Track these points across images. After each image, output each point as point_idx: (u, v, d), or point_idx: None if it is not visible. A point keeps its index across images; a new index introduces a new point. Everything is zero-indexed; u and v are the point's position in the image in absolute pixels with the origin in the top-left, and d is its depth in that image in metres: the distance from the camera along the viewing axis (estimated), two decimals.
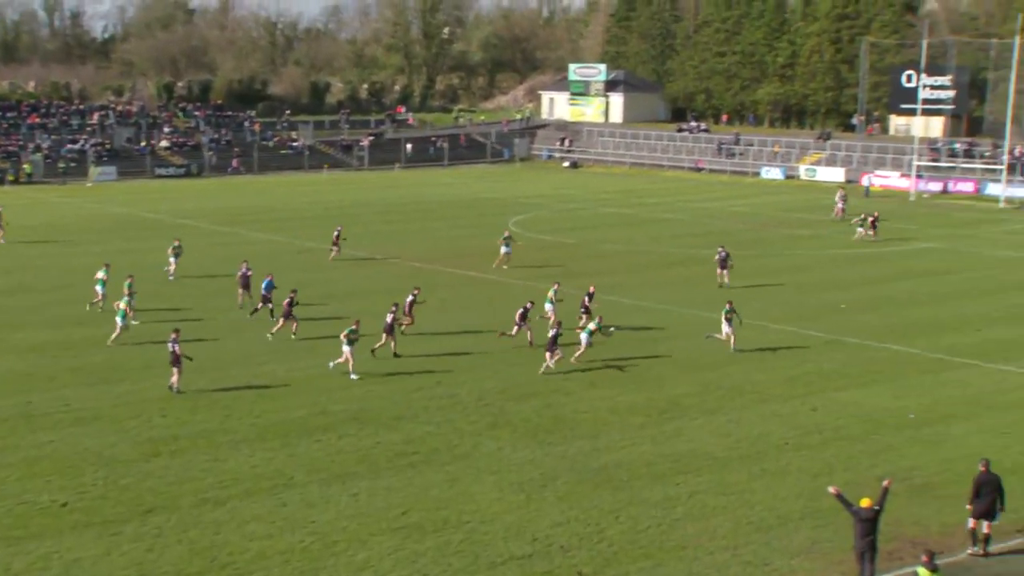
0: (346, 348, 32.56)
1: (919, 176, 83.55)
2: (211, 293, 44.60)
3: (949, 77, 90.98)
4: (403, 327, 36.74)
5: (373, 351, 34.51)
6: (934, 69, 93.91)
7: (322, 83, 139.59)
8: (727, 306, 36.40)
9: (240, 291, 42.21)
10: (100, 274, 41.69)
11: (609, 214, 71.76)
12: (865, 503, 19.76)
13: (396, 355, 34.83)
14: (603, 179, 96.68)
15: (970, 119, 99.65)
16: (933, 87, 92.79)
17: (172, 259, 47.89)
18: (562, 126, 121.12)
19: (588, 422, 29.08)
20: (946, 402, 30.87)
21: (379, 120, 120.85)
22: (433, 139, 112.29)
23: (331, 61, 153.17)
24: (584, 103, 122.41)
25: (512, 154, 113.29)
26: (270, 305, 39.80)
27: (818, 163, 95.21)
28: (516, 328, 36.35)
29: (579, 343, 34.36)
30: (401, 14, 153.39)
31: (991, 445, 27.18)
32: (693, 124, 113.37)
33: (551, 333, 33.36)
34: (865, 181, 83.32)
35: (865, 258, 54.87)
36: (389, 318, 34.78)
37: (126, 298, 38.38)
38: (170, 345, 31.18)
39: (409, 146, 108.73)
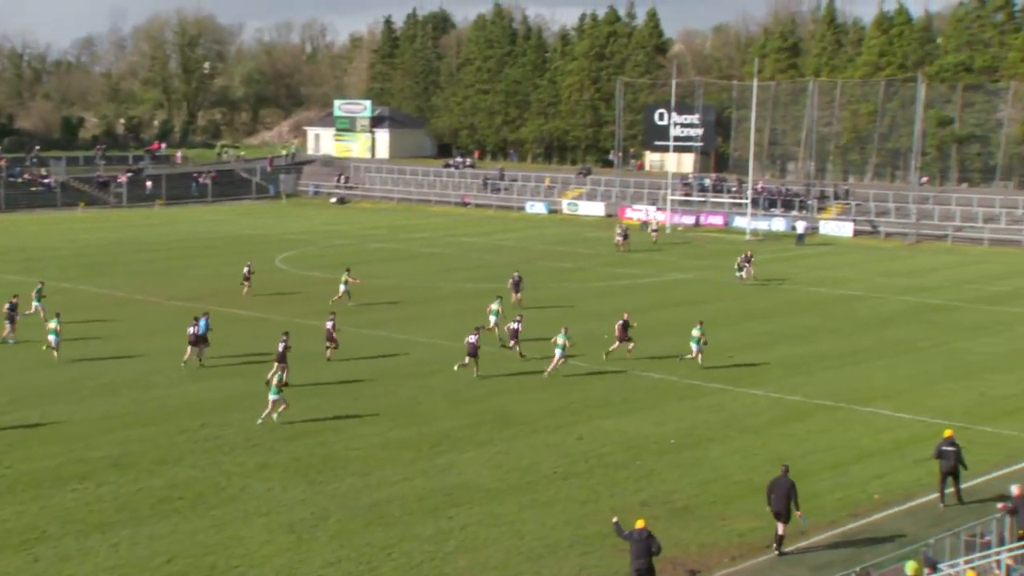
0: (272, 397, 31.55)
1: (673, 210, 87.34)
2: None
3: (697, 116, 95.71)
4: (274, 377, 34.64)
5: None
6: (683, 108, 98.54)
7: (75, 118, 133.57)
8: (699, 325, 39.16)
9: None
10: None
11: (378, 249, 71.61)
12: (640, 523, 20.51)
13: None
14: (371, 215, 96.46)
15: (717, 155, 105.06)
16: (683, 125, 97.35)
17: None
18: (328, 162, 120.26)
19: (359, 459, 28.81)
20: (703, 426, 32.23)
21: (138, 156, 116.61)
22: (196, 175, 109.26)
23: (85, 95, 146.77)
24: (350, 139, 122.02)
25: (278, 190, 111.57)
26: (205, 346, 38.48)
27: (579, 197, 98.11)
28: (469, 359, 37.20)
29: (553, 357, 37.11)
30: (158, 48, 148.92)
31: (744, 466, 28.57)
32: (459, 159, 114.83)
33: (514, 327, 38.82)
34: (800, 227, 79.28)
35: (623, 290, 56.77)
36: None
37: None
38: None
39: (174, 181, 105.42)
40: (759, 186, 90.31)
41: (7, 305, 42.78)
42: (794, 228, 79.96)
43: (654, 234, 77.38)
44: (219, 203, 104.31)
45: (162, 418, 32.23)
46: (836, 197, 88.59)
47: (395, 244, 74.85)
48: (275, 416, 31.67)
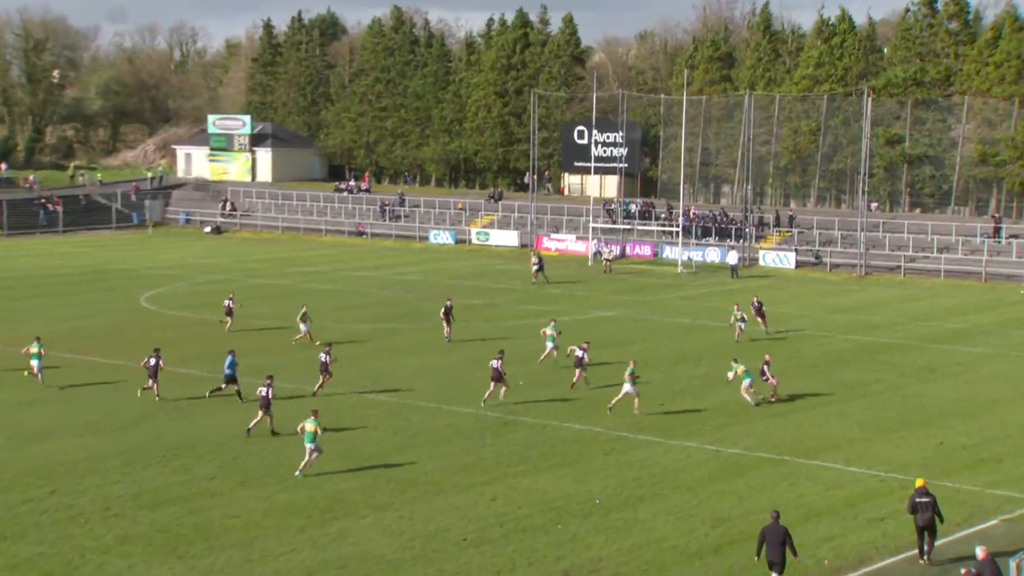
0: (309, 445, 32.56)
1: (596, 239, 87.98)
2: None
3: (620, 133, 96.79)
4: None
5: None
6: (606, 125, 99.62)
7: None
8: (630, 366, 39.90)
9: None
10: None
11: (260, 286, 70.92)
12: None
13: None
14: (252, 246, 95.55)
15: (644, 178, 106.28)
16: (605, 144, 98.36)
17: None
18: (202, 185, 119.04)
19: (239, 528, 28.29)
20: (632, 484, 32.30)
21: None
22: (44, 201, 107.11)
23: None
24: (227, 159, 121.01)
25: (143, 218, 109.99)
26: (236, 386, 40.39)
27: (490, 226, 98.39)
28: (494, 385, 40.49)
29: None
30: None
31: (679, 528, 28.66)
32: (352, 183, 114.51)
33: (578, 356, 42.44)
34: (733, 258, 79.81)
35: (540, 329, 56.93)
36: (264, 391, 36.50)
37: None
38: None
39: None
40: (691, 212, 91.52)
41: None
42: (737, 258, 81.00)
43: (606, 263, 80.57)
44: (73, 233, 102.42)
45: (1, 486, 31.30)
46: (777, 224, 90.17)
47: (280, 279, 74.17)
48: (300, 465, 32.48)
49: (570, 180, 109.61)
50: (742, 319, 53.79)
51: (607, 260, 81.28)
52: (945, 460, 34.98)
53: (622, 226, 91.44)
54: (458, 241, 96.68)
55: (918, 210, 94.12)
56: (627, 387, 39.51)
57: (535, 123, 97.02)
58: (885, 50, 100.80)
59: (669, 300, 66.90)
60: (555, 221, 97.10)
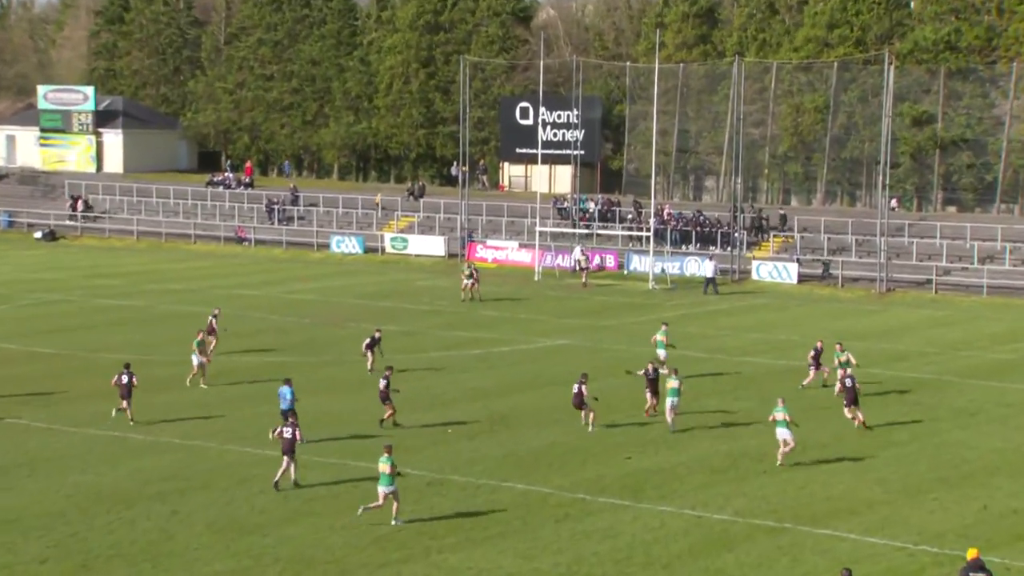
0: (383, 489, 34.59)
1: (544, 247, 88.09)
2: None
3: (575, 112, 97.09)
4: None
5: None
6: (556, 101, 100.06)
7: None
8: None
9: None
10: None
11: (110, 308, 70.46)
12: None
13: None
14: (99, 256, 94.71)
15: (605, 169, 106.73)
16: (556, 125, 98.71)
17: None
18: (31, 177, 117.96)
19: None
20: (591, 561, 32.29)
21: None
22: None
23: None
24: (64, 144, 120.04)
25: None
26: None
27: (409, 230, 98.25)
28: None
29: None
30: None
31: None
32: (229, 175, 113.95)
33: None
34: (709, 269, 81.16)
35: (474, 364, 56.83)
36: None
37: None
38: None
39: None
40: (665, 212, 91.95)
41: None
42: (713, 270, 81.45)
43: (583, 273, 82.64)
44: None
45: None
46: (774, 227, 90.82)
47: (136, 300, 73.65)
48: (394, 517, 34.51)
49: (511, 172, 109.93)
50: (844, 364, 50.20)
51: (584, 269, 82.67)
52: (990, 528, 35.24)
53: (578, 230, 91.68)
54: (368, 250, 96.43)
55: (953, 208, 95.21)
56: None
57: (466, 99, 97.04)
58: (912, 5, 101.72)
59: (637, 325, 67.05)
60: (492, 224, 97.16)
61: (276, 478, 37.63)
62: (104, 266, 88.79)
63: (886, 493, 38.20)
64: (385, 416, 45.11)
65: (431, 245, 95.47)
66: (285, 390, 43.60)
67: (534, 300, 75.62)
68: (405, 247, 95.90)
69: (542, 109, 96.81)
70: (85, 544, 33.03)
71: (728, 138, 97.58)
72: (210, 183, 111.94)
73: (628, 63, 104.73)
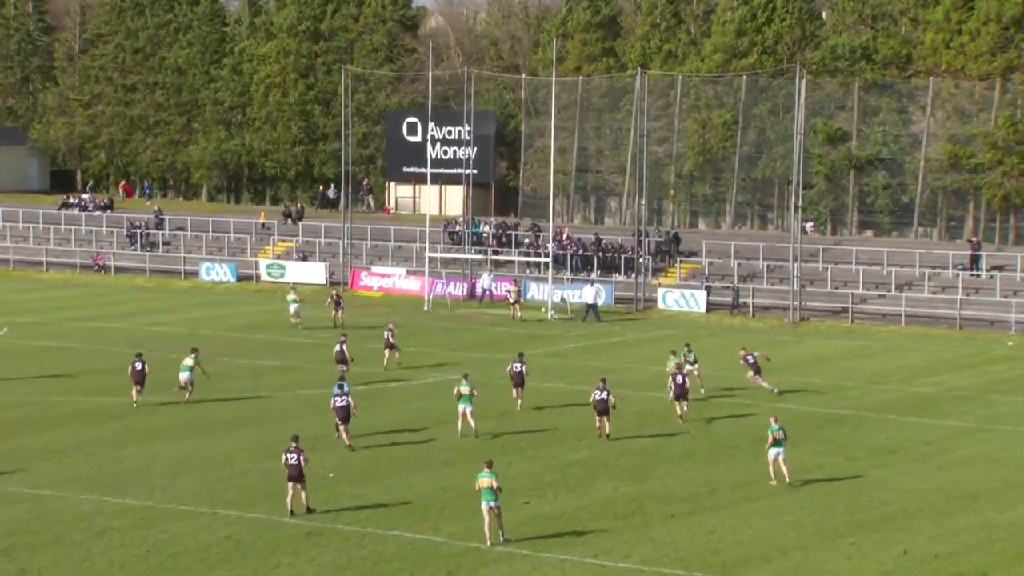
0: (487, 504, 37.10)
1: (435, 274, 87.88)
2: None
3: (467, 128, 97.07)
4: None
5: None
6: (447, 116, 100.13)
7: None
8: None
9: None
10: None
11: None
12: None
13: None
14: None
15: (500, 189, 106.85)
16: (447, 142, 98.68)
17: None
18: None
19: None
20: None
21: None
22: None
23: None
24: None
25: None
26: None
27: (286, 256, 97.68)
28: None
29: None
30: None
31: None
32: (86, 196, 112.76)
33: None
34: (589, 295, 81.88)
35: (358, 400, 56.50)
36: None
37: None
38: None
39: None
40: (565, 235, 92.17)
41: None
42: (594, 296, 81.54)
43: (515, 308, 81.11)
44: None
45: None
46: (681, 252, 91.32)
47: None
48: (501, 534, 36.74)
49: (398, 192, 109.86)
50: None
51: (514, 303, 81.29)
52: (912, 575, 35.54)
53: (470, 255, 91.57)
54: (241, 278, 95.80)
55: (869, 232, 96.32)
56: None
57: (349, 112, 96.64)
58: (824, 14, 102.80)
59: (535, 358, 66.94)
60: (378, 249, 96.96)
61: (289, 507, 38.86)
62: None
63: (800, 537, 38.41)
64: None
65: (311, 272, 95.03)
66: (344, 394, 48.25)
67: (424, 331, 75.39)
68: (282, 275, 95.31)
69: (431, 124, 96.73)
70: None
71: (631, 156, 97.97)
72: (64, 205, 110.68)
73: (524, 75, 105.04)
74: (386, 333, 63.71)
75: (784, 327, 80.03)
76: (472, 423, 49.33)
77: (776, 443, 43.23)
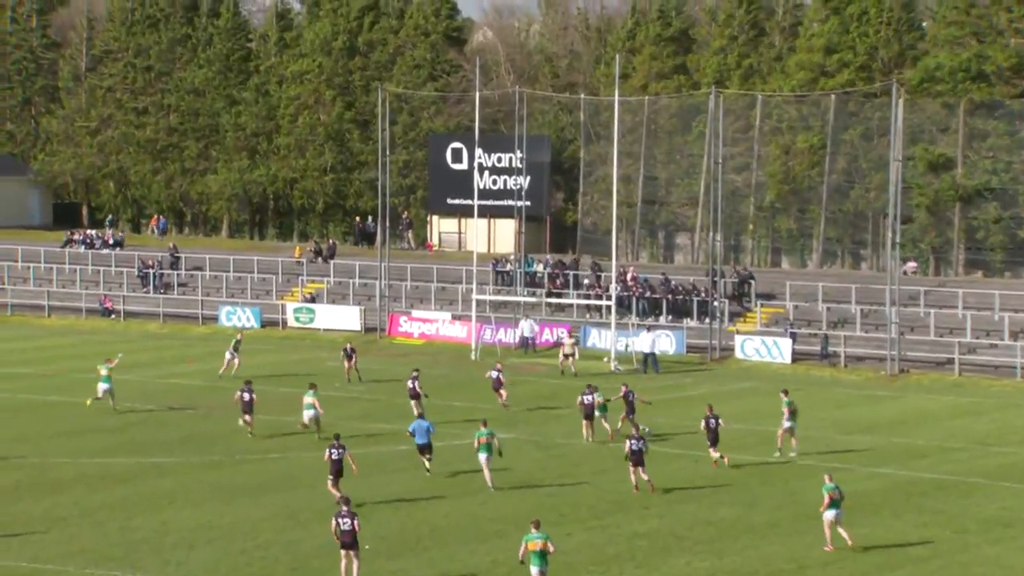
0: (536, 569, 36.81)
1: (484, 319, 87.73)
2: None
3: (519, 155, 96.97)
4: None
5: None
6: (496, 141, 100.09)
7: None
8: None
9: None
10: None
11: None
12: None
13: None
14: None
15: (556, 223, 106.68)
16: (496, 170, 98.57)
17: None
18: None
19: None
20: None
21: None
22: None
23: None
24: None
25: None
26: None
27: (316, 298, 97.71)
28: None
29: None
30: None
31: None
32: (93, 232, 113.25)
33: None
34: (646, 343, 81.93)
35: (399, 463, 56.35)
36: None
37: None
38: None
39: None
40: (629, 275, 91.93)
41: None
42: (651, 344, 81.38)
43: (569, 360, 79.28)
44: None
45: None
46: (761, 295, 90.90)
47: None
48: None
49: (442, 227, 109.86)
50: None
51: (567, 356, 79.34)
52: None
53: (523, 298, 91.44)
54: (266, 323, 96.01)
55: (979, 272, 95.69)
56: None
57: (386, 137, 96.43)
58: (925, 25, 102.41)
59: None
60: (419, 291, 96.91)
61: None
62: None
63: None
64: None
65: (343, 317, 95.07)
66: (424, 425, 53.12)
67: (471, 385, 75.10)
68: (312, 320, 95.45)
69: (479, 151, 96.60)
70: None
71: (705, 186, 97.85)
72: (69, 242, 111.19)
73: (583, 95, 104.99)
74: (410, 382, 64.43)
75: (881, 380, 79.41)
76: (488, 475, 50.81)
77: (833, 503, 43.20)
